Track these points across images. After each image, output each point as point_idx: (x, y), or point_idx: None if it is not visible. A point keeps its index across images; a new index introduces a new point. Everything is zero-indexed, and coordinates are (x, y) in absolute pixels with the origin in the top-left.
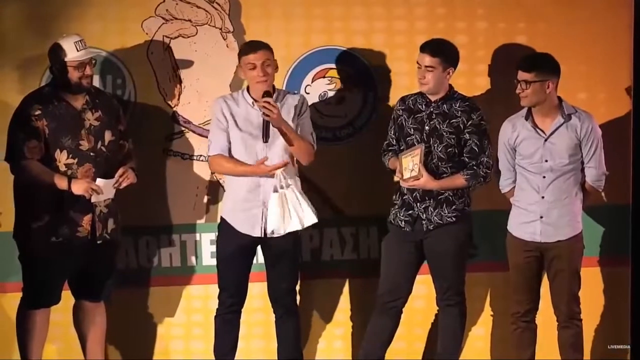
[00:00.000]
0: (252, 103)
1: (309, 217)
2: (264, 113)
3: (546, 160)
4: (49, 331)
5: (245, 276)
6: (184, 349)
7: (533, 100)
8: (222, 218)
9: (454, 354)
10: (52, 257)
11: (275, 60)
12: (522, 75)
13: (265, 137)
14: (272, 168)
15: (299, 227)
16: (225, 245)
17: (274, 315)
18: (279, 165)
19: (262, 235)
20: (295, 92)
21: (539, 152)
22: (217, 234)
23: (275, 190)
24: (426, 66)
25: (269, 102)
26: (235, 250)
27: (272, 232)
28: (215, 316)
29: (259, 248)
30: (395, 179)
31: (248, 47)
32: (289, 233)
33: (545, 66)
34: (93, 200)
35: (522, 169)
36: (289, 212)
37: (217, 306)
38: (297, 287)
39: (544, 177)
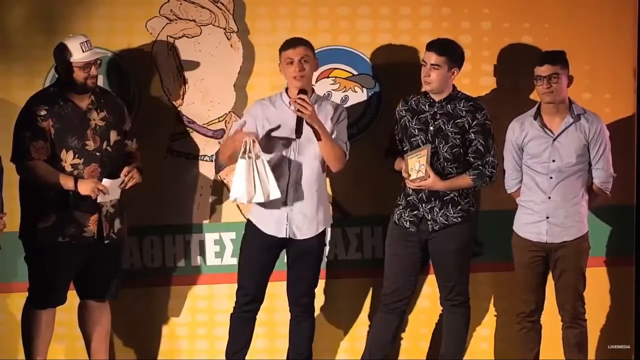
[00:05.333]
0: (289, 103)
1: (274, 191)
2: (298, 109)
3: (554, 161)
4: (54, 330)
5: (265, 277)
6: (189, 348)
7: (561, 95)
8: (248, 219)
9: (458, 353)
10: (58, 257)
11: (316, 59)
12: (548, 69)
13: (298, 132)
14: (243, 135)
15: (261, 200)
16: (251, 245)
17: (278, 315)
18: (250, 133)
19: (287, 237)
20: (331, 98)
21: (547, 152)
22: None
23: (242, 158)
24: (432, 64)
25: (303, 99)
26: (260, 251)
27: (235, 200)
28: (231, 314)
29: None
30: (404, 175)
31: (287, 43)
32: (316, 235)
33: (565, 60)
34: (99, 200)
35: (528, 169)
36: (254, 181)
37: (233, 304)
38: None
39: (551, 177)
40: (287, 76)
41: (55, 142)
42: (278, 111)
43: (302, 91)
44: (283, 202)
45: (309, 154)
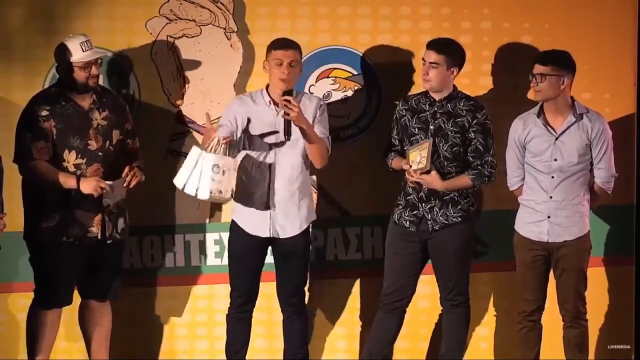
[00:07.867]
0: (269, 102)
1: (203, 191)
2: (285, 112)
3: (555, 160)
4: None
5: (255, 277)
6: (189, 348)
7: (546, 95)
8: (232, 220)
9: (457, 354)
10: (63, 257)
11: (301, 63)
12: (538, 68)
13: (288, 134)
14: (213, 134)
15: (192, 193)
16: (236, 246)
17: (277, 315)
18: (220, 136)
19: (271, 236)
20: (312, 93)
21: (549, 151)
22: (228, 234)
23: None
24: (430, 62)
25: (289, 101)
26: (246, 251)
27: (183, 187)
28: (227, 315)
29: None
30: (405, 167)
31: (279, 43)
32: (300, 233)
33: (562, 62)
34: (106, 201)
35: (531, 168)
36: (192, 173)
37: (228, 305)
38: None
39: (553, 177)
40: (273, 76)
41: (57, 142)
42: (259, 108)
43: (286, 92)
44: (265, 200)
45: (290, 152)
